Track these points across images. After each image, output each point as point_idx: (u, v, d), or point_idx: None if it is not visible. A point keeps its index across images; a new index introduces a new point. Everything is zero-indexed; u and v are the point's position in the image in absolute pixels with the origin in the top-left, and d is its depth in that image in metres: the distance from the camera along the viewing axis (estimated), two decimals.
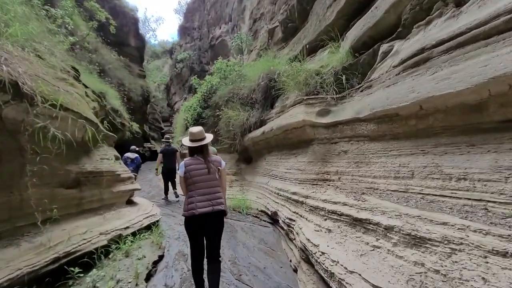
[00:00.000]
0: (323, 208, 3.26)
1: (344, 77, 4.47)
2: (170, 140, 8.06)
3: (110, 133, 5.19)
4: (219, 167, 2.61)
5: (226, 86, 9.21)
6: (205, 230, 2.43)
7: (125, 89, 16.43)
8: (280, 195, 4.76)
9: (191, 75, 20.48)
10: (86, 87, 6.71)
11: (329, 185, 3.76)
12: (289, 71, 5.96)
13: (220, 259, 2.51)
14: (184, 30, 26.53)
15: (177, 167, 7.69)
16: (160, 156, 7.55)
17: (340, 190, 3.48)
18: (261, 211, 5.60)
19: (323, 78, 5.08)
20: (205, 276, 2.52)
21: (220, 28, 20.49)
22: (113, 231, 3.62)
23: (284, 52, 8.86)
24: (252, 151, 7.87)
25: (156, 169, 7.95)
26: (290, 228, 3.85)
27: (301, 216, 3.64)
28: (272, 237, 4.39)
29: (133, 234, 3.97)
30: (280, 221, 4.32)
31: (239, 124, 7.87)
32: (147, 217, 4.60)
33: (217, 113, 8.87)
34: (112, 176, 4.39)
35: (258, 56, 10.53)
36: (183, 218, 2.44)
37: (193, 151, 2.60)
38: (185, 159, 2.60)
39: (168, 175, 7.56)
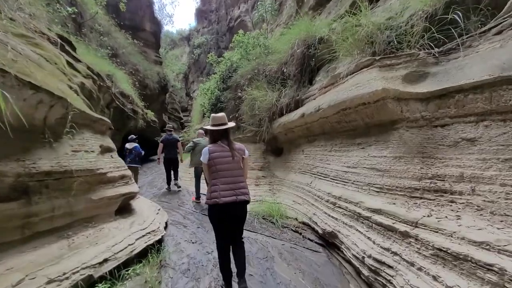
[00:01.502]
0: (467, 257, 1.56)
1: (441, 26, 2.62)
2: (172, 130, 7.35)
3: (97, 116, 3.73)
4: (243, 156, 2.50)
5: (249, 62, 7.50)
6: (229, 219, 2.29)
7: (140, 75, 15.20)
8: (340, 207, 3.08)
9: (209, 62, 18.97)
10: (79, 61, 5.32)
11: (454, 201, 2.01)
12: (342, 28, 4.14)
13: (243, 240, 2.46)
14: (201, 14, 24.82)
15: (179, 157, 6.93)
16: (161, 145, 6.88)
17: (490, 216, 1.74)
18: (303, 223, 3.97)
19: (398, 30, 3.26)
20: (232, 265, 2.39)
21: (239, 8, 18.59)
22: (77, 271, 2.15)
23: (320, 18, 6.95)
24: (283, 140, 6.20)
25: (158, 159, 7.15)
26: (380, 279, 2.17)
27: (408, 262, 1.94)
28: (331, 274, 2.75)
29: (117, 268, 2.51)
30: (350, 255, 2.64)
31: (266, 107, 6.19)
32: (144, 235, 3.12)
33: (239, 95, 7.23)
34: (92, 177, 2.92)
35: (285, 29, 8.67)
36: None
37: (215, 137, 2.48)
38: (208, 145, 2.45)
39: (169, 165, 6.94)
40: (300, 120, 4.74)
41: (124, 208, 3.70)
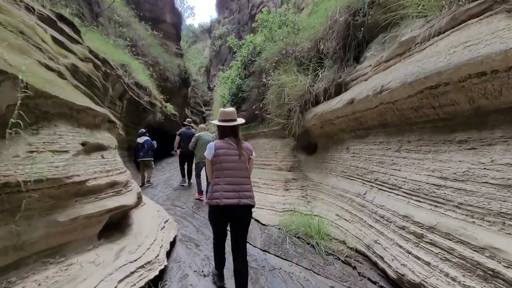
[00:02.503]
0: None
1: None
2: (192, 124, 7.30)
3: (82, 104, 2.81)
4: (251, 156, 2.27)
5: (275, 44, 6.31)
6: (230, 222, 2.12)
7: (160, 67, 14.60)
8: (435, 245, 1.87)
9: (230, 53, 17.94)
10: (77, 42, 4.51)
11: None
12: None
13: (246, 254, 2.16)
14: (222, 4, 23.75)
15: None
16: (177, 138, 6.64)
17: None
18: (357, 251, 2.82)
19: None
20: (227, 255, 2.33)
21: None
22: None
23: None
24: (317, 134, 5.00)
25: (175, 150, 6.89)
26: None
27: None
28: None
29: None
30: None
31: (297, 95, 5.02)
32: (135, 271, 2.17)
33: (263, 81, 6.11)
34: (58, 189, 2.01)
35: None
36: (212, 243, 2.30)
37: (223, 133, 2.25)
38: (215, 141, 2.24)
39: (184, 159, 6.70)
40: (346, 109, 3.53)
41: (117, 225, 2.80)
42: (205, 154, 2.24)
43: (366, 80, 3.50)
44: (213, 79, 27.63)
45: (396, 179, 2.56)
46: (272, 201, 4.45)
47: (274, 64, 5.97)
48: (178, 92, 18.55)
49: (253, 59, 6.94)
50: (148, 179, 7.33)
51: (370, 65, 3.56)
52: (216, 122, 2.32)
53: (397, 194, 2.50)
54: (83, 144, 2.58)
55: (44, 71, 2.58)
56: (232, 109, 2.35)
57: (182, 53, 18.91)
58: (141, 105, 8.42)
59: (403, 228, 2.21)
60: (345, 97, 3.60)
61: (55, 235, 1.98)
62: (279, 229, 3.68)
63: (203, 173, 5.42)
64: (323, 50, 4.71)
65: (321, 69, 4.68)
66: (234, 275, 2.08)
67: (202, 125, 6.21)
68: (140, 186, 7.09)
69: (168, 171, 9.29)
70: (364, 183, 3.18)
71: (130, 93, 7.31)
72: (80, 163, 2.37)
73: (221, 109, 2.36)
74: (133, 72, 8.31)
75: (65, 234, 2.06)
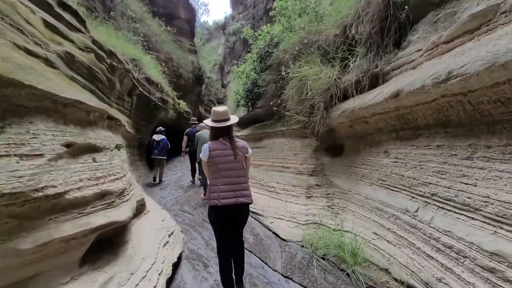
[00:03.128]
0: None
1: None
2: (197, 123, 7.11)
3: (69, 97, 2.31)
4: (246, 154, 2.24)
5: (295, 33, 5.65)
6: (228, 222, 2.12)
7: (173, 63, 14.28)
8: None
9: (245, 50, 17.36)
10: (78, 30, 4.07)
11: None
12: None
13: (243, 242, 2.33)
14: None
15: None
16: (185, 138, 6.78)
17: None
18: (410, 287, 2.17)
19: None
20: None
21: None
22: None
23: None
24: (344, 134, 4.33)
25: (183, 152, 7.05)
26: None
27: None
28: None
29: None
30: None
31: (321, 89, 4.36)
32: None
33: (281, 75, 5.48)
34: (21, 205, 1.51)
35: None
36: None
37: (216, 134, 2.21)
38: (209, 142, 2.22)
39: (193, 157, 6.64)
40: (387, 104, 2.85)
41: (109, 243, 2.30)
42: (200, 156, 2.24)
43: (415, 68, 2.81)
44: (226, 76, 27.23)
45: (469, 197, 1.88)
46: (293, 210, 3.84)
47: (293, 55, 5.33)
48: (191, 89, 18.25)
49: (270, 51, 6.31)
50: (161, 177, 7.35)
51: (420, 50, 2.86)
52: (209, 122, 2.25)
53: (473, 219, 1.82)
54: (67, 145, 2.09)
55: (21, 55, 2.10)
56: (224, 108, 2.28)
57: (196, 50, 18.55)
58: (152, 101, 8.02)
59: (492, 271, 1.55)
60: (386, 89, 2.92)
61: (16, 268, 1.48)
62: (303, 247, 3.07)
63: None
64: (353, 36, 4.01)
65: (352, 58, 3.99)
66: (233, 261, 2.21)
67: (202, 123, 5.85)
68: (153, 183, 7.06)
69: (180, 170, 8.88)
70: (413, 197, 2.51)
71: (140, 89, 6.90)
72: (60, 170, 1.87)
73: (214, 108, 2.28)
74: (144, 67, 7.91)
75: (32, 265, 1.57)
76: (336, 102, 4.19)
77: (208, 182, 2.21)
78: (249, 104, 7.37)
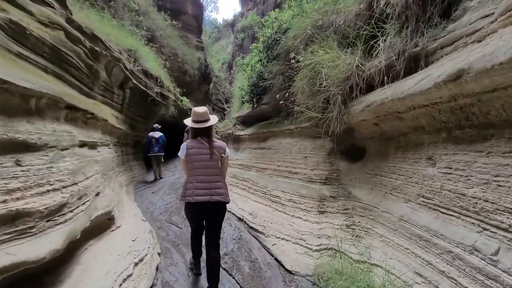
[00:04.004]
0: None
1: None
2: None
3: None
4: (223, 154, 2.29)
5: (307, 17, 4.81)
6: (204, 218, 2.24)
7: (178, 59, 13.67)
8: None
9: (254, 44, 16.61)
10: (47, 4, 3.38)
11: None
12: None
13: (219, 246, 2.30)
14: None
15: None
16: (185, 135, 6.20)
17: None
18: None
19: None
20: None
21: None
22: None
23: None
24: (367, 134, 3.47)
25: None
26: None
27: None
28: None
29: None
30: None
31: (338, 78, 3.52)
32: None
33: (290, 65, 4.66)
34: None
35: None
36: None
37: (196, 134, 2.28)
38: (187, 141, 2.30)
39: None
40: (439, 91, 1.99)
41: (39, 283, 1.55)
42: (178, 154, 2.27)
43: (480, 41, 1.94)
44: (235, 74, 26.59)
45: None
46: (302, 229, 3.01)
47: (305, 41, 4.50)
48: (198, 87, 17.64)
49: (278, 38, 5.49)
50: (160, 174, 7.37)
51: (487, 15, 1.99)
52: (189, 122, 2.29)
53: None
54: None
55: None
56: (204, 108, 2.32)
57: (203, 47, 17.92)
58: (149, 96, 7.34)
59: None
60: (436, 72, 2.05)
61: None
62: (314, 284, 2.25)
63: None
64: (382, 10, 3.15)
65: (382, 36, 3.12)
66: (206, 268, 2.17)
67: None
68: (146, 184, 6.63)
69: (179, 171, 8.18)
70: (486, 230, 1.65)
71: (135, 82, 6.21)
72: None
73: (194, 109, 2.33)
74: (141, 59, 7.24)
75: None
76: (358, 95, 3.34)
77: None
78: (254, 100, 6.57)
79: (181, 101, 11.29)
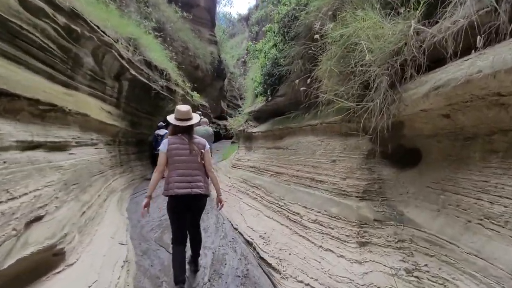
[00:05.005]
0: None
1: None
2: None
3: None
4: (202, 150, 2.35)
5: None
6: (184, 211, 2.28)
7: (189, 53, 12.95)
8: None
9: None
10: None
11: None
12: None
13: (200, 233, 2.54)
14: None
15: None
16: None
17: None
18: None
19: None
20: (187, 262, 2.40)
21: None
22: None
23: None
24: (427, 132, 2.39)
25: None
26: None
27: None
28: None
29: None
30: None
31: (383, 52, 2.49)
32: None
33: (313, 44, 3.63)
34: None
35: None
36: None
37: (177, 131, 2.34)
38: (169, 137, 2.37)
39: None
40: None
41: None
42: (160, 148, 2.31)
43: None
44: (249, 70, 25.70)
45: None
46: (335, 271, 2.04)
47: (332, 11, 3.47)
48: (211, 83, 16.93)
49: (297, 15, 4.46)
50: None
51: None
52: (172, 120, 2.33)
53: None
54: None
55: None
56: (187, 107, 2.37)
57: (216, 40, 17.09)
58: (153, 89, 6.59)
59: None
60: None
61: None
62: None
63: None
64: None
65: None
66: (190, 242, 2.42)
67: (204, 119, 5.84)
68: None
69: None
70: None
71: (133, 72, 5.46)
72: None
73: (177, 107, 2.36)
74: (144, 48, 6.50)
75: None
76: (414, 74, 2.30)
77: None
78: (268, 91, 5.60)
79: (192, 96, 10.55)
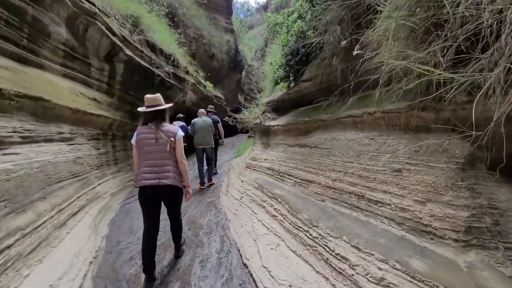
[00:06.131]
0: None
1: None
2: (214, 110, 6.48)
3: None
4: (172, 138, 2.21)
5: None
6: (155, 202, 2.22)
7: (204, 41, 11.98)
8: None
9: None
10: None
11: None
12: None
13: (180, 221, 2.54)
14: None
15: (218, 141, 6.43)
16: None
17: None
18: None
19: None
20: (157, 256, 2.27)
21: None
22: None
23: None
24: None
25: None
26: None
27: None
28: None
29: None
30: None
31: None
32: None
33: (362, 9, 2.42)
34: None
35: None
36: None
37: (146, 119, 2.25)
38: (138, 127, 2.29)
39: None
40: None
41: None
42: (131, 141, 2.27)
43: None
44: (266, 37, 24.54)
45: None
46: None
47: None
48: (228, 74, 15.98)
49: None
50: None
51: None
52: (141, 108, 2.27)
53: None
54: None
55: None
56: (157, 95, 2.32)
57: (233, 28, 16.02)
58: (156, 75, 5.68)
59: None
60: None
61: None
62: None
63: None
64: None
65: None
66: (171, 229, 2.51)
67: (201, 110, 5.52)
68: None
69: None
70: None
71: (129, 53, 4.53)
72: None
73: (146, 95, 2.29)
74: (145, 27, 5.57)
75: None
76: None
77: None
78: (291, 75, 4.44)
79: (204, 86, 9.60)
